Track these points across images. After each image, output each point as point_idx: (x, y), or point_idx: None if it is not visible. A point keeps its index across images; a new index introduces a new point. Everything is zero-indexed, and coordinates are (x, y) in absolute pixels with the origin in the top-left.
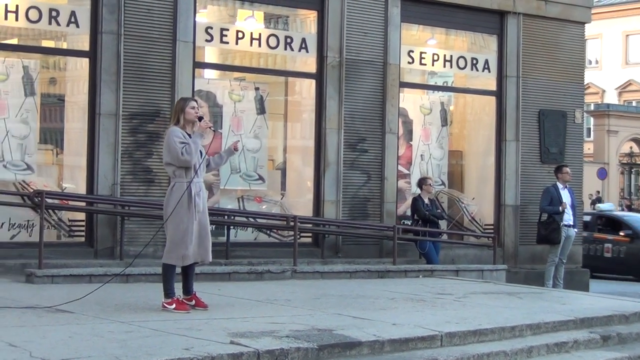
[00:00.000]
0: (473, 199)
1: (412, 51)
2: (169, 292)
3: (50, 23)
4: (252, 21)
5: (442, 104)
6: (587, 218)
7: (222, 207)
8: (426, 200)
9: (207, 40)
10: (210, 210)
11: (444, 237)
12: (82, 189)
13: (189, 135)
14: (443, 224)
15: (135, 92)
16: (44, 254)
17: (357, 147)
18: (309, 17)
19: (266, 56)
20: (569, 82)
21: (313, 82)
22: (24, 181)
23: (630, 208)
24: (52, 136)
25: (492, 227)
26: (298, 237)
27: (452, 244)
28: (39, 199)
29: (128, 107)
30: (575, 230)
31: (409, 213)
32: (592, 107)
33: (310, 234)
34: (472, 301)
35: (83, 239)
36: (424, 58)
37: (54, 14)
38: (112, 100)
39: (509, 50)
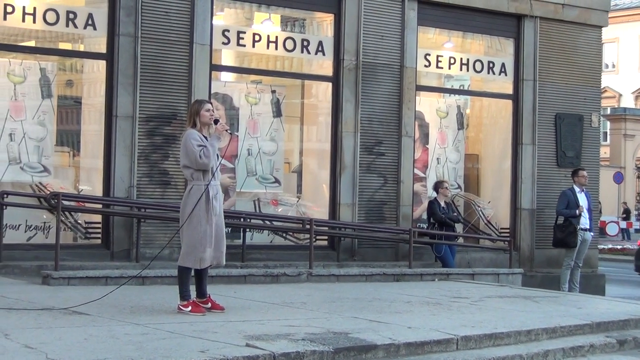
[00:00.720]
0: (489, 202)
1: (429, 54)
2: (185, 295)
3: (67, 25)
4: (268, 24)
5: (459, 107)
6: None
7: (238, 210)
8: (442, 204)
9: (224, 43)
10: (226, 212)
11: (460, 240)
12: (98, 191)
13: (206, 137)
14: (459, 228)
15: (152, 94)
16: (60, 256)
17: (373, 150)
18: (326, 20)
19: (283, 59)
20: (586, 85)
21: (329, 85)
22: (40, 183)
23: None
24: (68, 138)
25: (508, 230)
26: (314, 240)
27: (468, 247)
28: (56, 201)
29: (145, 109)
30: (592, 234)
31: (425, 216)
32: (608, 111)
33: (326, 237)
34: (488, 305)
35: (99, 241)
36: (440, 61)
37: (71, 16)
38: (128, 103)
39: (525, 54)
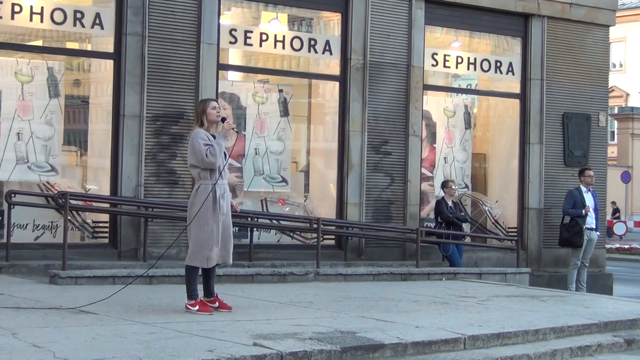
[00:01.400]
0: (496, 201)
1: (436, 54)
2: (192, 294)
3: (75, 25)
4: (276, 23)
5: (466, 106)
6: None
7: (246, 209)
8: (450, 203)
9: (231, 43)
10: (233, 212)
11: (467, 240)
12: (105, 191)
13: (213, 136)
14: (466, 227)
15: (159, 94)
16: (67, 255)
17: (380, 149)
18: (333, 20)
19: (290, 58)
20: (593, 85)
21: (337, 84)
22: (48, 182)
23: None
24: (76, 138)
25: (515, 230)
26: (321, 239)
27: (475, 246)
28: (63, 200)
29: (152, 108)
30: (598, 233)
31: (432, 216)
32: (616, 111)
33: (333, 236)
34: (495, 304)
35: (107, 240)
36: (447, 61)
37: (78, 15)
38: (136, 102)
39: (533, 53)
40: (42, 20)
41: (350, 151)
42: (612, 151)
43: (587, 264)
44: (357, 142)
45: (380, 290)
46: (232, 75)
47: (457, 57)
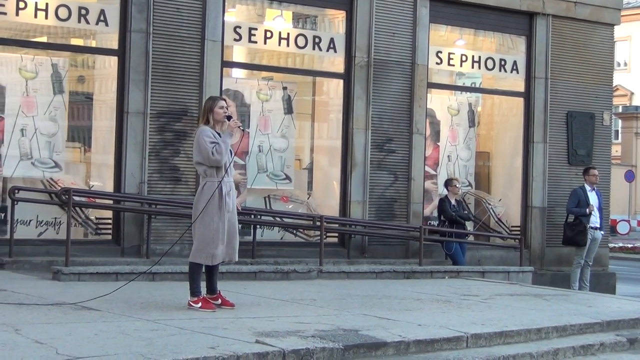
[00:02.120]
0: (500, 200)
1: (441, 52)
2: (195, 291)
3: (79, 21)
4: (280, 21)
5: (470, 105)
6: None
7: (249, 206)
8: (453, 201)
9: (235, 40)
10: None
11: (471, 238)
12: (109, 187)
13: (219, 134)
14: (469, 225)
15: (163, 90)
16: (70, 252)
17: (384, 147)
18: (338, 17)
19: (294, 56)
20: (598, 84)
21: (341, 82)
22: (51, 179)
23: None
24: (80, 134)
25: (518, 228)
26: (324, 237)
27: (478, 245)
28: (67, 196)
29: (156, 105)
30: (602, 232)
31: (435, 214)
32: (620, 110)
33: (336, 234)
34: (498, 303)
35: (110, 236)
36: (452, 59)
37: (83, 12)
38: (140, 99)
39: (537, 52)
40: (46, 17)
41: (354, 149)
42: (616, 150)
43: (590, 263)
44: (361, 139)
45: (383, 288)
46: (236, 73)
47: (462, 55)
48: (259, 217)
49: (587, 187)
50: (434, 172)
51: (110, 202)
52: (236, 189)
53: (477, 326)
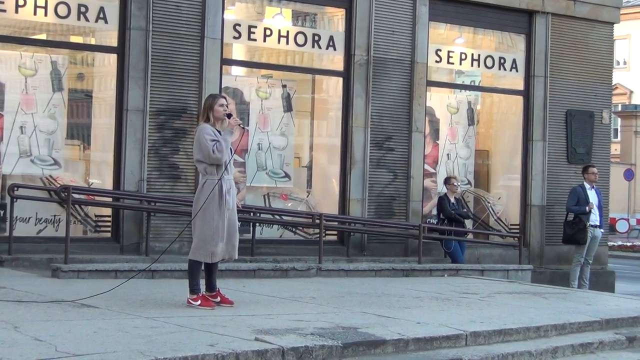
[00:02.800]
0: (499, 198)
1: (440, 50)
2: (194, 288)
3: (79, 19)
4: (280, 18)
5: (469, 103)
6: None
7: (248, 204)
8: (452, 200)
9: (234, 37)
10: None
11: (470, 236)
12: (108, 185)
13: (219, 132)
14: (469, 224)
15: (162, 88)
16: (70, 249)
17: (383, 145)
18: (337, 15)
19: (293, 54)
20: (597, 82)
21: (340, 80)
22: (51, 176)
23: None
24: (79, 132)
25: (518, 227)
26: (323, 235)
27: (477, 243)
28: (66, 194)
29: (155, 103)
30: (602, 230)
31: (435, 212)
32: (619, 108)
33: (335, 232)
34: (497, 301)
35: (109, 234)
36: (451, 57)
37: (82, 9)
38: (139, 97)
39: (537, 50)
40: (46, 14)
41: (353, 147)
42: (615, 148)
43: (590, 261)
44: (360, 137)
45: (382, 286)
46: (236, 70)
47: (461, 53)
48: (258, 214)
49: (587, 186)
50: (433, 170)
51: (110, 199)
52: (236, 187)
53: (476, 324)
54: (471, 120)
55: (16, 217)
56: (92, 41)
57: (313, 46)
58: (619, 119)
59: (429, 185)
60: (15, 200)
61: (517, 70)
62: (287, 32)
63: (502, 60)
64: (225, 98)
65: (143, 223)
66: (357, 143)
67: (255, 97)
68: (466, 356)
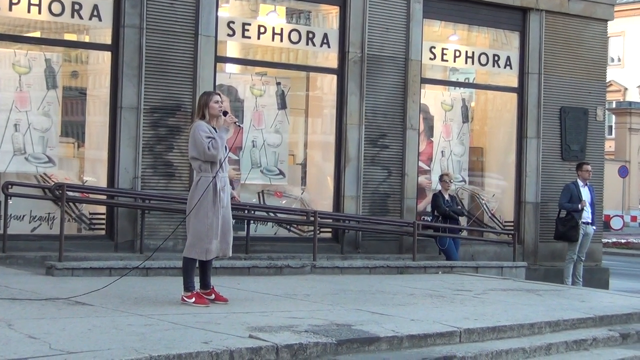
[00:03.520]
0: (493, 195)
1: (434, 47)
2: (189, 286)
3: (72, 16)
4: (274, 16)
5: (464, 100)
6: None
7: (243, 202)
8: (446, 197)
9: (229, 35)
10: (234, 202)
11: (464, 233)
12: (103, 182)
13: (214, 129)
14: (463, 221)
15: (156, 85)
16: (64, 247)
17: (377, 142)
18: (331, 13)
19: (288, 51)
20: (591, 79)
21: (334, 77)
22: (45, 174)
23: None
24: (73, 129)
25: (512, 224)
26: (318, 232)
27: (471, 240)
28: (60, 191)
29: (149, 100)
30: (594, 227)
31: (429, 209)
32: (613, 105)
33: (330, 229)
34: (491, 298)
35: (103, 232)
36: (445, 54)
37: (76, 7)
38: (133, 94)
39: (531, 47)
40: (39, 12)
41: (348, 144)
42: (609, 145)
43: (583, 258)
44: (354, 135)
45: (377, 283)
46: (230, 68)
47: (455, 50)
48: (252, 212)
49: (580, 183)
50: (427, 168)
51: (104, 197)
52: (230, 184)
53: (470, 321)
54: (465, 118)
55: (10, 214)
56: (86, 39)
57: (307, 43)
58: (613, 116)
59: (424, 182)
60: (9, 198)
61: (511, 68)
62: (282, 29)
63: (496, 58)
64: (219, 95)
65: (137, 221)
66: (352, 140)
67: (249, 94)
68: (460, 353)
